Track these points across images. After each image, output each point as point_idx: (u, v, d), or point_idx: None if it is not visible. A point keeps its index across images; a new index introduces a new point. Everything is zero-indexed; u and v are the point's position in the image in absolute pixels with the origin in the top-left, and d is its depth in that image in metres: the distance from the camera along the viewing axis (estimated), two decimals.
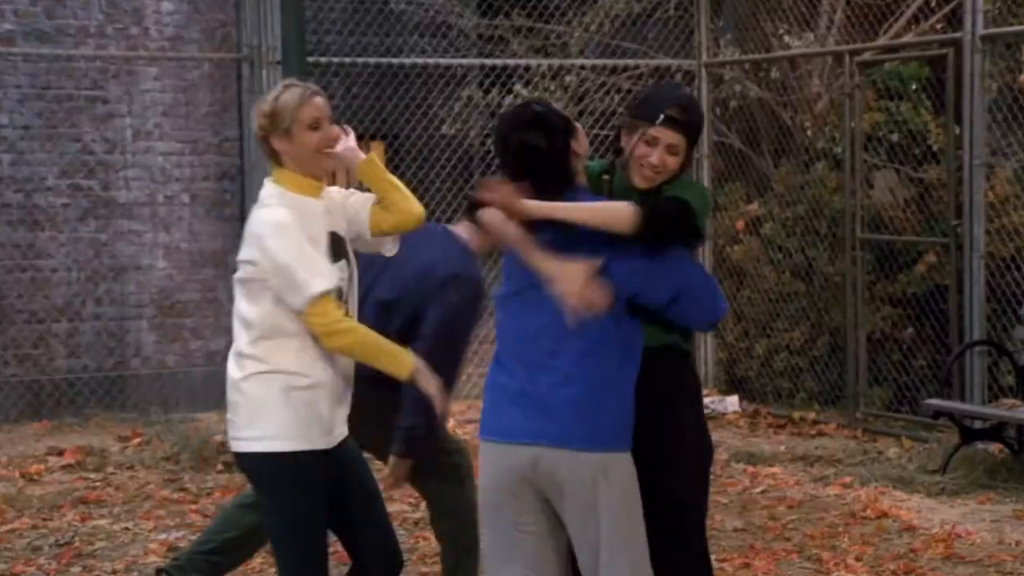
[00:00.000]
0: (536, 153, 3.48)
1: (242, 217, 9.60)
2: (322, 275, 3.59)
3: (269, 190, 3.69)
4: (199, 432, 8.30)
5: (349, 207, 3.79)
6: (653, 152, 3.55)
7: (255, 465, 3.64)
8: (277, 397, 3.59)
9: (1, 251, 9.11)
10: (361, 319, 3.77)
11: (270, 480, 3.62)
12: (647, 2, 9.77)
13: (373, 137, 9.94)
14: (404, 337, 4.06)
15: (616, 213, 3.43)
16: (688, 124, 3.57)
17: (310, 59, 8.59)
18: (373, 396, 3.96)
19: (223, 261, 9.32)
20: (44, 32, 9.20)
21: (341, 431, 3.73)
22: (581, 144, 3.58)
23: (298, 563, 3.62)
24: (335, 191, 3.81)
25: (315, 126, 3.66)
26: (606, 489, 3.47)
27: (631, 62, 9.79)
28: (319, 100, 3.68)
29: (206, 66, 9.49)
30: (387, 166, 10.98)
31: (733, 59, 9.68)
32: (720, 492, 6.94)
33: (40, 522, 6.51)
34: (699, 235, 3.60)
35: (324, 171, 3.73)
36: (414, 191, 3.98)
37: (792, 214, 9.23)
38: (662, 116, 3.54)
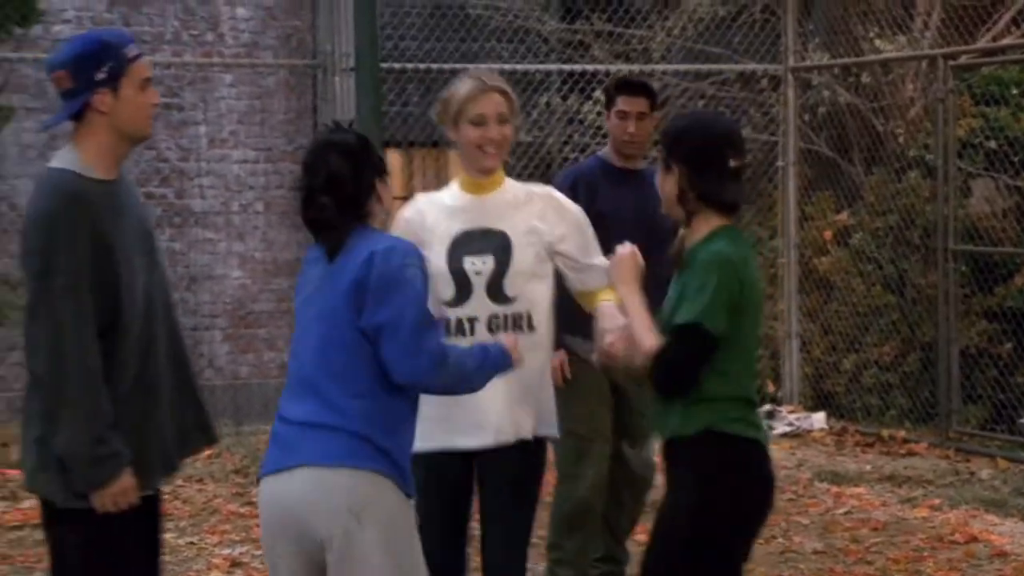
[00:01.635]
0: (337, 181, 3.25)
1: None
2: None
3: None
4: None
5: (556, 237, 3.85)
6: None
7: None
8: None
9: None
10: None
11: None
12: (732, 5, 9.54)
13: (448, 145, 9.80)
14: None
15: (641, 344, 3.35)
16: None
17: (385, 65, 8.50)
18: None
19: (296, 270, 9.22)
20: None
21: (475, 439, 3.75)
22: (386, 196, 3.36)
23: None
24: (551, 205, 3.86)
25: (477, 122, 3.73)
26: (360, 535, 3.10)
27: (715, 67, 9.56)
28: (493, 97, 3.73)
29: (281, 73, 9.43)
30: None
31: (822, 63, 9.41)
32: (801, 512, 6.74)
33: None
34: (709, 340, 3.32)
35: (483, 169, 3.77)
36: None
37: (883, 224, 8.95)
38: None
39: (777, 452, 8.22)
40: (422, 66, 9.17)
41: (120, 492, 3.30)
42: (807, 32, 9.59)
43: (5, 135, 8.79)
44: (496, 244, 3.76)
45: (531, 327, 3.79)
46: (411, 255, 3.28)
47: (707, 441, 3.31)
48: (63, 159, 3.39)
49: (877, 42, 9.19)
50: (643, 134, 5.10)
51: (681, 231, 3.42)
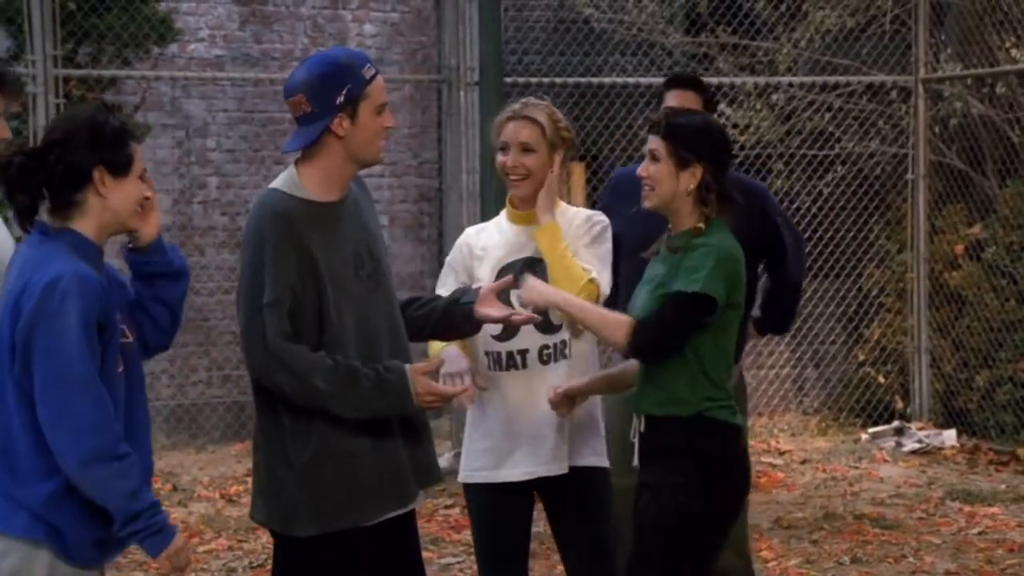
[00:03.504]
0: (46, 147, 2.94)
1: (440, 239, 9.59)
2: None
3: None
4: None
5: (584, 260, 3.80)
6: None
7: None
8: None
9: (207, 273, 9.28)
10: None
11: None
12: (861, 16, 9.39)
13: (573, 158, 9.78)
14: None
15: (610, 326, 3.43)
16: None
17: (509, 79, 8.54)
18: None
19: (420, 284, 9.30)
20: (251, 56, 9.37)
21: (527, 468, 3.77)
22: (116, 196, 2.98)
23: None
24: (588, 230, 3.81)
25: (502, 148, 3.78)
26: None
27: (843, 79, 9.42)
28: (517, 124, 3.73)
29: (407, 88, 9.52)
30: (587, 188, 10.76)
31: (954, 74, 9.22)
32: (932, 532, 6.60)
33: (236, 544, 6.59)
34: (703, 311, 3.37)
35: (514, 198, 3.87)
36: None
37: (1018, 238, 8.76)
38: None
39: (906, 469, 8.07)
40: (546, 80, 9.18)
41: None
42: (939, 42, 9.40)
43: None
44: (539, 274, 3.66)
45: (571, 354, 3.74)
46: (71, 294, 2.80)
47: (698, 425, 3.39)
48: (281, 180, 3.34)
49: (1014, 52, 8.98)
50: None
51: (671, 224, 3.51)
